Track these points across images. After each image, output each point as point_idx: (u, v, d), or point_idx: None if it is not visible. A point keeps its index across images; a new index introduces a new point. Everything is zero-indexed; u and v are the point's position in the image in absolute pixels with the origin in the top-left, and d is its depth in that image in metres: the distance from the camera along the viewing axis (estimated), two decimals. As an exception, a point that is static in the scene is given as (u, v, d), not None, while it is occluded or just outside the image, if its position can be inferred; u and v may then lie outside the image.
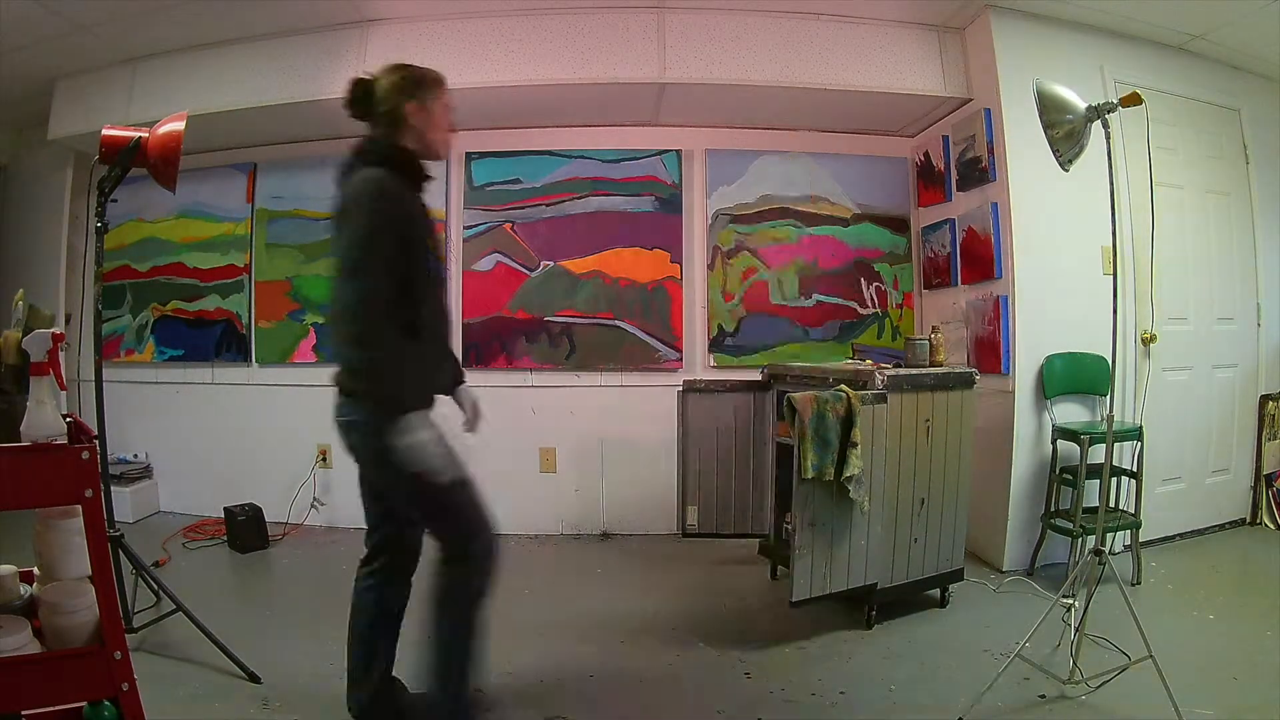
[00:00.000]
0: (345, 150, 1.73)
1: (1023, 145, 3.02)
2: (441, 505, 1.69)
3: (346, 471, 3.76)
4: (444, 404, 1.84)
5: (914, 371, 2.55)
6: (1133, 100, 2.05)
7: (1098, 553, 2.00)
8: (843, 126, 3.81)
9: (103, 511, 1.28)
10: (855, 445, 2.32)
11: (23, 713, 1.32)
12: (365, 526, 1.89)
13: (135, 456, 4.00)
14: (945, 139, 3.53)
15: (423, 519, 1.79)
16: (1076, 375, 3.10)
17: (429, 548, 1.79)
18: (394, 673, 1.91)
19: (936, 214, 3.66)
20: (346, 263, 1.58)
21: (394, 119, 1.71)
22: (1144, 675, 1.89)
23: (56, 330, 1.42)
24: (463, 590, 1.71)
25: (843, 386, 2.39)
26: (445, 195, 3.76)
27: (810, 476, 2.27)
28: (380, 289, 1.54)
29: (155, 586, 2.36)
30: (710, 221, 3.78)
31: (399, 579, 1.88)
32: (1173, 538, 3.38)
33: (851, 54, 3.30)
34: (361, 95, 1.73)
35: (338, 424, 1.69)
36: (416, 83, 1.74)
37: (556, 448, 3.75)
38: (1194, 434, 3.44)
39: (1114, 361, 2.09)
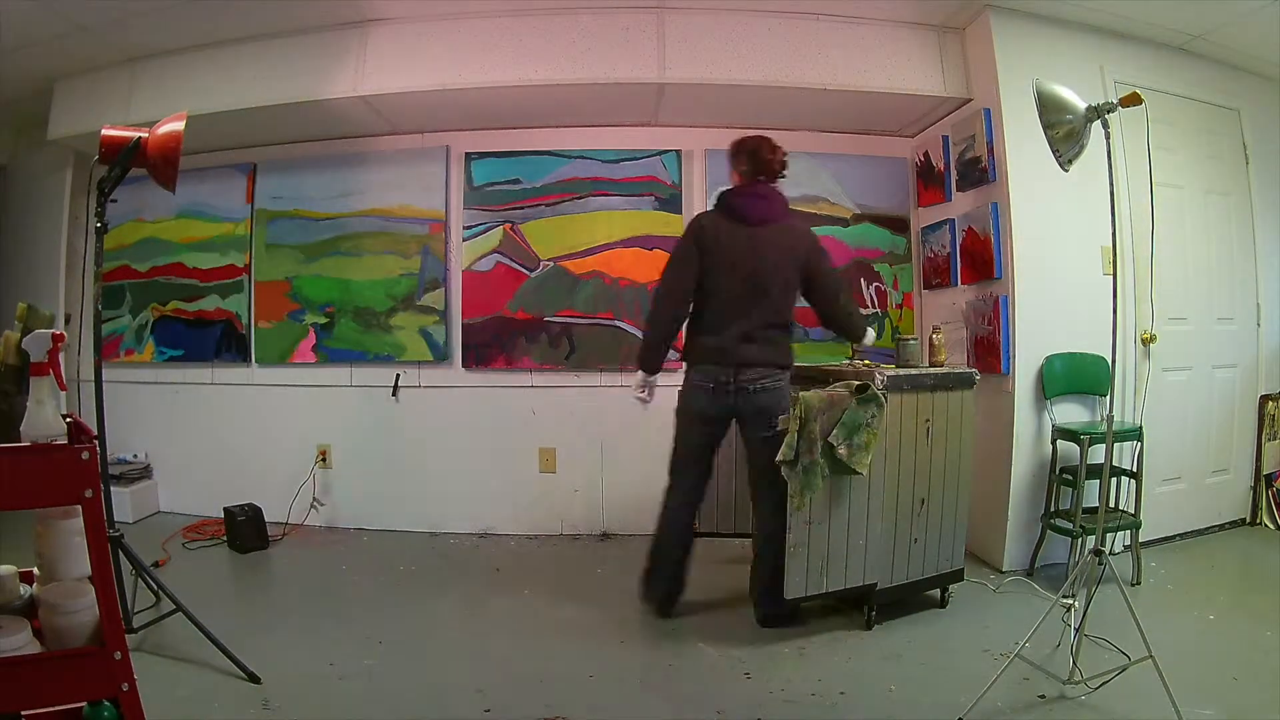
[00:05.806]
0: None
1: (1022, 145, 3.02)
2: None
3: (346, 472, 3.78)
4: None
5: (914, 372, 2.55)
6: (1133, 100, 2.05)
7: (1098, 553, 2.00)
8: (842, 127, 3.81)
9: (103, 511, 1.28)
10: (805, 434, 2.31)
11: (23, 713, 1.32)
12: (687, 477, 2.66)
13: (135, 456, 4.00)
14: (945, 139, 3.53)
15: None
16: (1076, 375, 3.10)
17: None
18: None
19: (936, 214, 3.66)
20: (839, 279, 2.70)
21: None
22: (1144, 675, 1.89)
23: (56, 330, 1.41)
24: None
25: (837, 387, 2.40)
26: (445, 195, 3.77)
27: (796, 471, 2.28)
28: None
29: (155, 586, 2.36)
30: (710, 221, 3.77)
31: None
32: (1173, 538, 3.38)
33: (851, 54, 3.30)
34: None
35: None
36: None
37: (556, 448, 3.75)
38: (1194, 434, 3.44)
39: (1114, 361, 2.09)
